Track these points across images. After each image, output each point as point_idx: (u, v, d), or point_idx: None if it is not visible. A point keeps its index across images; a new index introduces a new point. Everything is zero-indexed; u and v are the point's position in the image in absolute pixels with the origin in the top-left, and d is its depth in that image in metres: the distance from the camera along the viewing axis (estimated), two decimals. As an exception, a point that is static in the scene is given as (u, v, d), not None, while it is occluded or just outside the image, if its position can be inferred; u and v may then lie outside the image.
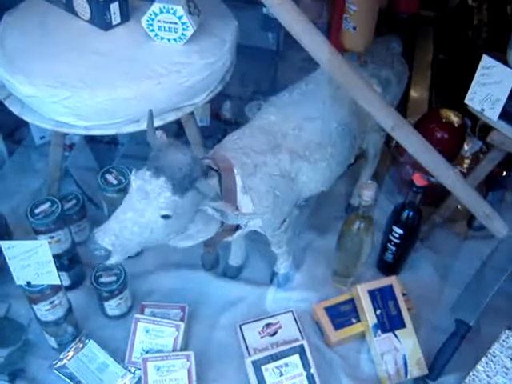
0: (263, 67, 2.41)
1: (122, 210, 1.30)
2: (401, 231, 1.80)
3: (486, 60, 1.65)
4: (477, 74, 1.67)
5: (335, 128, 1.66)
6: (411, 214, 1.78)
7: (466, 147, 2.17)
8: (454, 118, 2.08)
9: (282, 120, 1.63)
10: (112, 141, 2.27)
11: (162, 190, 1.26)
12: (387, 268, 1.94)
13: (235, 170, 1.48)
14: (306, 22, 1.36)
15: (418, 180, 1.69)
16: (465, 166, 2.14)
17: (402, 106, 3.39)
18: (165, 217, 1.29)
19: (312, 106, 1.67)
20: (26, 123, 1.88)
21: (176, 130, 2.18)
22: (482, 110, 1.70)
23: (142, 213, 1.28)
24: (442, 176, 1.59)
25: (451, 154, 2.08)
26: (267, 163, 1.54)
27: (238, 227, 1.56)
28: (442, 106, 2.31)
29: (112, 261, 1.31)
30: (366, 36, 1.66)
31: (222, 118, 2.30)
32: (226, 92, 1.93)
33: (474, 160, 2.16)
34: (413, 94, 3.51)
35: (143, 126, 1.35)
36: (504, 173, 2.14)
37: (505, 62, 1.66)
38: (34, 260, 1.45)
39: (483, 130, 2.12)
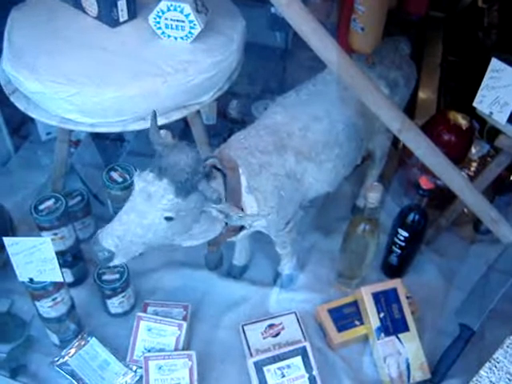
0: (271, 66, 2.40)
1: (125, 212, 1.31)
2: (406, 234, 1.79)
3: (495, 63, 1.64)
4: (486, 78, 1.66)
5: (342, 129, 1.65)
6: (417, 216, 1.77)
7: (473, 150, 2.16)
8: (462, 121, 2.06)
9: (288, 120, 1.62)
10: (118, 138, 2.26)
11: (165, 192, 1.26)
12: (392, 271, 1.93)
13: (240, 170, 1.48)
14: (314, 22, 1.35)
15: (425, 183, 1.68)
16: (472, 169, 2.13)
17: (411, 108, 3.38)
18: (168, 219, 1.29)
19: (319, 106, 1.66)
20: (32, 119, 1.88)
21: (182, 128, 2.18)
22: (491, 113, 1.69)
23: (145, 215, 1.28)
24: (449, 179, 1.58)
25: (458, 156, 2.07)
26: (273, 163, 1.53)
27: (242, 227, 1.55)
28: (450, 108, 2.29)
29: (116, 262, 1.32)
30: (374, 37, 1.65)
31: (229, 116, 2.29)
32: (233, 91, 1.93)
33: (481, 163, 2.14)
34: (421, 95, 3.49)
35: (149, 123, 1.35)
36: (511, 178, 2.12)
37: (515, 65, 1.66)
38: (36, 257, 1.45)
39: (491, 133, 2.10)
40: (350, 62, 1.41)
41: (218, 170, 1.46)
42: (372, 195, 1.63)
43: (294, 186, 1.59)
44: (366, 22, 1.61)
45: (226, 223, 1.47)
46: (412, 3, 1.79)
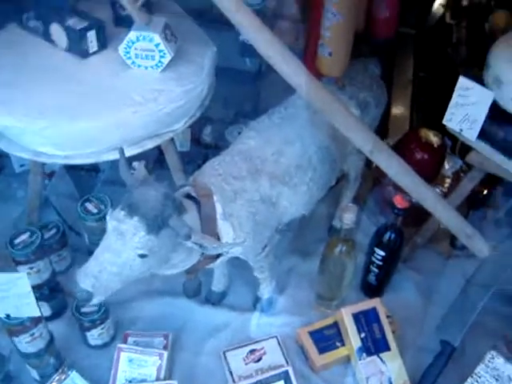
0: (244, 90, 2.41)
1: (100, 251, 1.31)
2: (383, 253, 1.80)
3: (462, 81, 1.66)
4: (454, 95, 1.69)
5: (315, 152, 1.66)
6: (393, 235, 1.78)
7: (446, 166, 2.18)
8: (434, 138, 2.08)
9: (261, 145, 1.63)
10: (92, 168, 2.25)
11: (137, 230, 1.27)
12: (371, 290, 1.93)
13: (215, 197, 1.49)
14: (281, 47, 1.37)
15: (399, 202, 1.69)
16: (446, 185, 2.14)
17: (384, 125, 3.42)
18: (142, 256, 1.30)
19: (291, 130, 1.67)
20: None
21: (157, 156, 2.18)
22: (461, 130, 1.71)
23: (119, 253, 1.29)
24: (422, 198, 1.60)
25: (432, 173, 2.09)
26: (247, 189, 1.54)
27: (219, 254, 1.55)
28: (423, 124, 2.32)
29: (95, 301, 1.32)
30: (342, 61, 1.67)
31: (203, 142, 2.29)
32: (207, 116, 1.94)
33: (455, 179, 2.16)
34: (394, 112, 3.52)
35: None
36: (485, 191, 2.15)
37: (483, 81, 1.68)
38: (13, 292, 1.43)
39: (463, 148, 2.13)
40: (319, 85, 1.42)
41: (193, 198, 1.46)
42: (347, 216, 1.64)
43: (269, 211, 1.59)
44: (333, 46, 1.62)
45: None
46: (379, 26, 1.81)
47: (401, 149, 2.03)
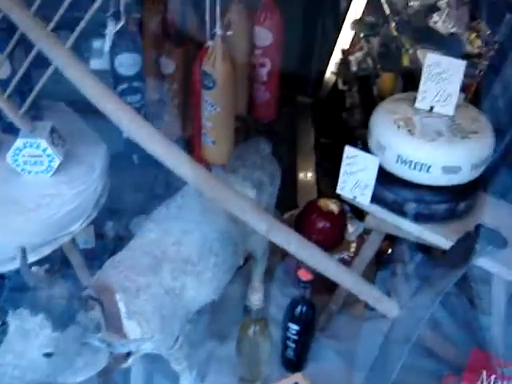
0: (145, 180, 2.41)
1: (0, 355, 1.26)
2: (297, 327, 1.81)
3: (348, 150, 1.73)
4: (343, 164, 1.74)
5: (215, 238, 1.67)
6: (304, 308, 1.79)
7: (350, 230, 2.23)
8: (333, 206, 2.14)
9: (161, 236, 1.63)
10: (-1, 276, 2.18)
11: (42, 328, 1.24)
12: (291, 365, 1.93)
13: (117, 296, 1.46)
14: (163, 140, 1.39)
15: (304, 275, 1.72)
16: (352, 249, 2.19)
17: (292, 194, 3.49)
18: (47, 355, 1.25)
19: (189, 218, 1.68)
20: None
21: (61, 256, 2.13)
22: (354, 197, 1.77)
23: (23, 354, 1.24)
24: (325, 269, 1.62)
25: (335, 240, 2.14)
26: (150, 284, 1.53)
27: (129, 353, 1.52)
28: (330, 189, 2.37)
29: None
30: (226, 148, 1.71)
31: (107, 237, 2.27)
32: (109, 209, 1.93)
33: (360, 242, 2.21)
34: (300, 180, 3.62)
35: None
36: (389, 250, 2.20)
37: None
38: None
39: (364, 212, 2.20)
40: (206, 174, 1.45)
41: (95, 299, 1.44)
42: (254, 297, 1.66)
43: (175, 303, 1.58)
44: (215, 135, 1.66)
45: (111, 352, 1.43)
46: (260, 110, 1.88)
47: (302, 221, 2.08)
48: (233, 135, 1.69)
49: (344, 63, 4.04)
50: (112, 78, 1.67)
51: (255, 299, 1.65)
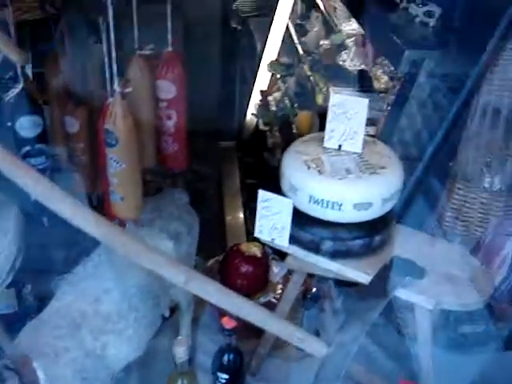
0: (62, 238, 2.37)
1: None
2: (226, 376, 1.79)
3: (262, 194, 1.74)
4: (258, 209, 1.76)
5: (134, 293, 1.66)
6: (231, 356, 1.78)
7: (274, 272, 2.24)
8: (255, 250, 2.15)
9: (78, 298, 1.61)
10: None
11: None
12: (225, 414, 1.90)
13: (35, 364, 1.43)
14: (71, 202, 1.37)
15: (227, 323, 1.71)
16: (278, 291, 2.18)
17: (221, 236, 3.50)
18: None
19: (107, 276, 1.66)
20: None
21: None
22: (273, 239, 1.78)
23: None
24: (247, 315, 1.61)
25: (260, 283, 2.14)
26: (69, 348, 1.50)
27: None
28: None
29: None
30: (135, 203, 1.70)
31: (27, 300, 2.20)
32: (30, 271, 1.88)
33: (285, 283, 2.21)
34: (228, 222, 3.64)
35: None
36: (314, 288, 2.22)
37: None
38: None
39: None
40: (118, 230, 1.44)
41: (11, 369, 1.40)
42: (178, 350, 1.63)
43: (97, 364, 1.56)
44: (122, 191, 1.66)
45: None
46: (170, 161, 1.89)
47: (226, 266, 2.08)
48: (141, 189, 1.69)
49: (263, 104, 4.11)
50: (14, 141, 1.66)
51: (179, 352, 1.62)
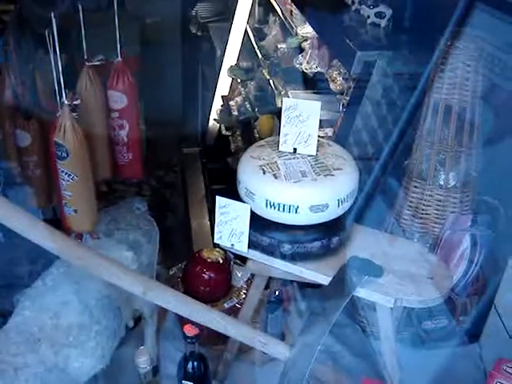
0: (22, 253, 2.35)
1: None
2: None
3: (220, 200, 1.75)
4: (217, 215, 1.77)
5: (94, 305, 1.65)
6: (196, 363, 1.77)
7: (238, 276, 2.24)
8: (217, 255, 2.15)
9: (37, 312, 1.60)
10: None
11: None
12: (193, 422, 1.90)
13: (-6, 382, 1.42)
14: (25, 216, 1.37)
15: (189, 330, 1.70)
16: (242, 296, 2.18)
17: (188, 243, 3.50)
18: None
19: (67, 289, 1.65)
20: None
21: None
22: (232, 245, 1.79)
23: None
24: (208, 322, 1.62)
25: (223, 289, 2.14)
26: (28, 363, 1.49)
27: None
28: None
29: None
30: (90, 215, 1.70)
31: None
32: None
33: (249, 286, 2.21)
34: (194, 229, 3.64)
35: None
36: (277, 291, 2.22)
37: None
38: None
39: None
40: (74, 243, 1.44)
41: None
42: (141, 360, 1.63)
43: (60, 378, 1.54)
44: (76, 204, 1.65)
45: None
46: (125, 171, 1.89)
47: (188, 274, 2.08)
48: (95, 201, 1.69)
49: (225, 109, 4.12)
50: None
51: (141, 362, 1.62)
